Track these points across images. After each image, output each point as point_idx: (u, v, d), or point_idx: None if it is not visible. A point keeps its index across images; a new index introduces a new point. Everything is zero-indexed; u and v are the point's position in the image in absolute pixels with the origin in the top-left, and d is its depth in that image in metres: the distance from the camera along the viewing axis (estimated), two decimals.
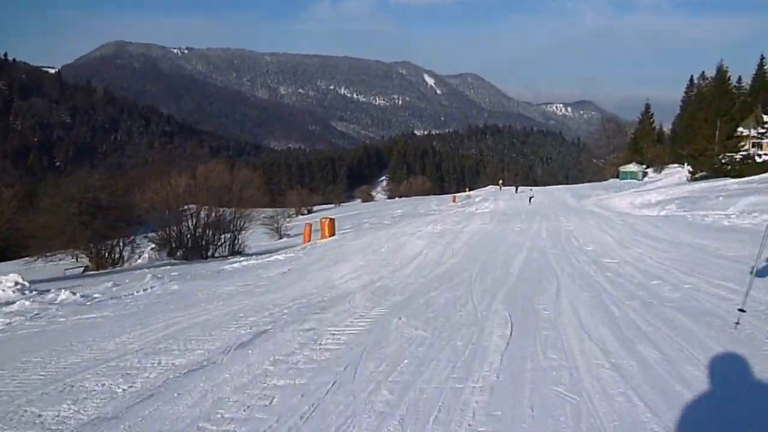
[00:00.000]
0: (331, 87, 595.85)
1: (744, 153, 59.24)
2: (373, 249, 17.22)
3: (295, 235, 49.41)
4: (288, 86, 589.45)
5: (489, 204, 60.06)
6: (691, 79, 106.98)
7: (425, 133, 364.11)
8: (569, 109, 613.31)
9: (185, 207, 28.81)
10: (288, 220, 61.62)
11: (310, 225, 27.40)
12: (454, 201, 70.72)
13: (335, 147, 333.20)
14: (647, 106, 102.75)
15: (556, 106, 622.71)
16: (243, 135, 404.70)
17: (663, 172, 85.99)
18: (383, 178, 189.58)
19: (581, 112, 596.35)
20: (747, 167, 53.82)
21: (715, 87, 71.89)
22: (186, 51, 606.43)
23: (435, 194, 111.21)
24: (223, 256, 27.19)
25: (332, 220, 25.81)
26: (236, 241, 29.53)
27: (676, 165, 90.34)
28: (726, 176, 55.72)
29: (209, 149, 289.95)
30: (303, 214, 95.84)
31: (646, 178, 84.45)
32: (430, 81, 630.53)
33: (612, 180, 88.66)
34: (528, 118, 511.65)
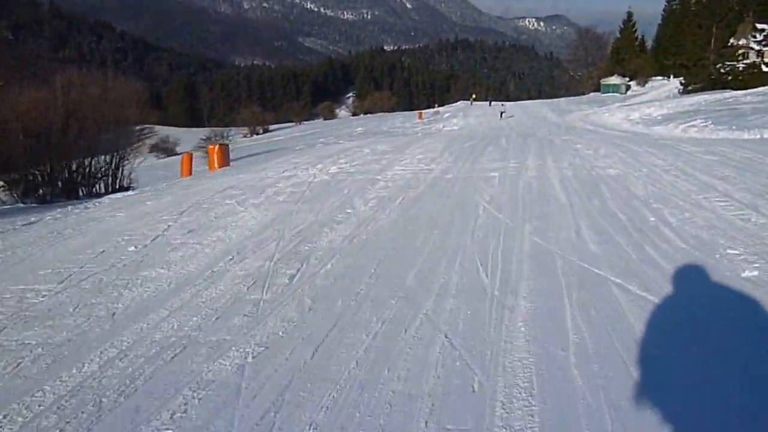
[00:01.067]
0: (297, 1, 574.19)
1: (747, 62, 52.18)
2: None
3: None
4: (252, 1, 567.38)
5: (458, 121, 53.42)
6: None
7: (394, 48, 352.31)
8: (542, 23, 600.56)
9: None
10: (230, 140, 53.84)
11: (190, 155, 20.05)
12: (419, 118, 63.98)
13: (302, 63, 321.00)
14: (629, 15, 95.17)
15: (529, 21, 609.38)
16: (206, 52, 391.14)
17: (647, 85, 79.22)
18: (350, 94, 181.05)
19: (554, 27, 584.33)
20: (751, 77, 47.04)
21: None
22: None
23: (403, 110, 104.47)
24: (98, 195, 19.92)
25: (224, 147, 18.56)
26: (120, 173, 22.04)
27: (661, 77, 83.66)
28: (725, 88, 49.13)
29: (168, 66, 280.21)
30: (257, 134, 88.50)
31: (629, 92, 77.58)
32: None
33: (592, 94, 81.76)
34: (500, 33, 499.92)
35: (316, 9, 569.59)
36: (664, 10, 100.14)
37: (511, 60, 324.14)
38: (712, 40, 57.72)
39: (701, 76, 55.26)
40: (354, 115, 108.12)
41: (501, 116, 51.56)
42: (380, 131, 47.93)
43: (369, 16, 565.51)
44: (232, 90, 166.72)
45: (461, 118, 56.01)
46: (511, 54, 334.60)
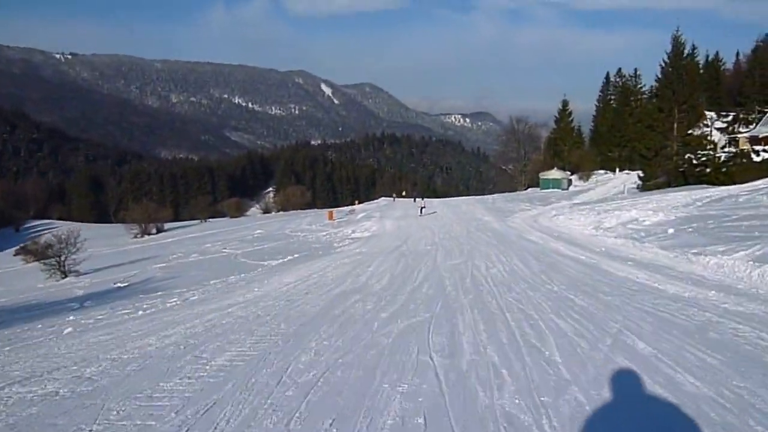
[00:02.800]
0: (225, 96, 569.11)
1: (730, 151, 42.63)
2: None
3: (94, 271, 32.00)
4: (179, 94, 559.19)
5: (371, 225, 42.52)
6: (607, 77, 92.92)
7: (319, 142, 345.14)
8: (467, 120, 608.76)
9: None
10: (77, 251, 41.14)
11: None
12: (330, 218, 53.54)
13: (227, 157, 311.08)
14: (564, 103, 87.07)
15: (455, 117, 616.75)
16: (130, 144, 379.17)
17: (591, 179, 69.99)
18: (270, 189, 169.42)
19: (479, 123, 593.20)
20: (740, 169, 37.10)
21: (672, 66, 55.37)
22: (69, 56, 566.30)
23: (330, 206, 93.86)
24: None
25: None
26: None
27: (603, 171, 74.96)
28: (700, 183, 39.29)
29: (85, 158, 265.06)
30: (150, 234, 75.67)
31: (571, 187, 68.04)
32: (327, 90, 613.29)
33: (530, 190, 72.31)
34: (427, 129, 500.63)
35: (243, 104, 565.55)
36: (598, 101, 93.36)
37: (438, 155, 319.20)
38: (675, 126, 48.41)
39: (663, 168, 45.78)
40: (265, 212, 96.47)
41: (421, 212, 47.74)
42: (278, 236, 41.12)
43: (297, 111, 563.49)
44: (142, 184, 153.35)
45: (377, 220, 45.34)
46: (438, 149, 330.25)
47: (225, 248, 36.94)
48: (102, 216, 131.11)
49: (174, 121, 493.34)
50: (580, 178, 71.50)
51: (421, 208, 49.44)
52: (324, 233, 40.75)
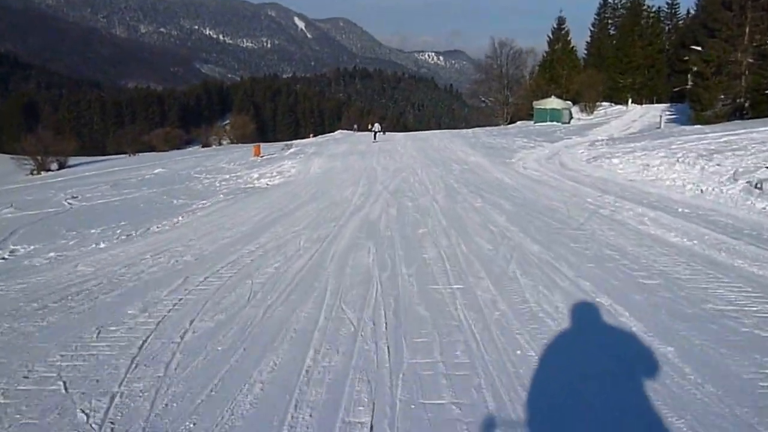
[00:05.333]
0: (196, 27, 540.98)
1: None
2: None
3: None
4: (149, 25, 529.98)
5: (297, 165, 27.34)
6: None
7: (287, 75, 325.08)
8: (441, 58, 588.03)
9: None
10: None
11: None
12: (256, 153, 38.03)
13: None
14: (560, 20, 70.60)
15: (428, 55, 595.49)
16: (96, 75, 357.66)
17: (597, 112, 54.37)
18: (226, 121, 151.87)
19: (453, 61, 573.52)
20: None
21: None
22: None
23: (290, 138, 78.17)
24: None
25: None
26: None
27: (609, 103, 59.39)
28: None
29: (36, 86, 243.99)
30: (49, 170, 59.54)
31: (572, 121, 52.28)
32: (301, 24, 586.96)
33: (520, 123, 56.59)
34: (400, 65, 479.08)
35: (215, 36, 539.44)
36: (593, 26, 77.49)
37: (411, 91, 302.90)
38: (747, 31, 32.37)
39: (731, 91, 30.36)
40: (204, 146, 79.88)
41: (375, 138, 43.08)
42: (171, 179, 29.23)
43: (269, 45, 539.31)
44: (82, 112, 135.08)
45: (305, 158, 29.84)
46: (410, 85, 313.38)
47: (72, 198, 22.39)
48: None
49: (142, 52, 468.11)
50: (582, 111, 55.90)
51: (375, 132, 43.17)
52: (228, 176, 26.69)
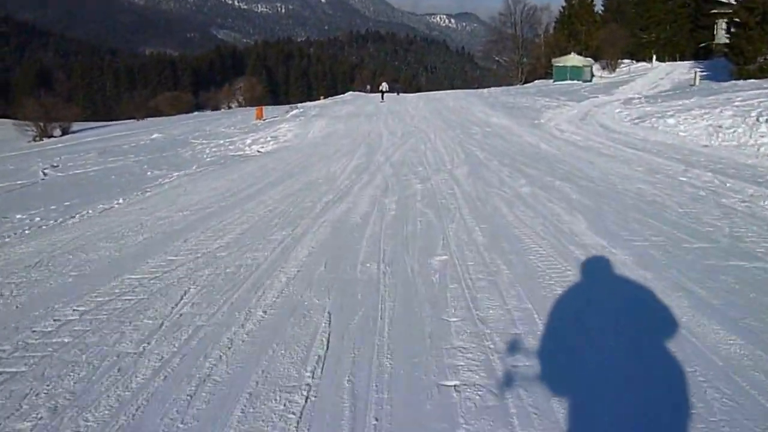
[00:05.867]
0: None
1: None
2: None
3: None
4: None
5: (297, 129, 24.29)
6: None
7: (301, 39, 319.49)
8: (453, 20, 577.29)
9: None
10: None
11: None
12: (258, 116, 34.40)
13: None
14: None
15: (440, 17, 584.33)
16: (114, 41, 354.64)
17: (619, 70, 50.59)
18: (240, 85, 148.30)
19: (464, 24, 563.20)
20: None
21: None
22: None
23: (301, 100, 74.83)
24: None
25: None
26: None
27: (630, 60, 55.49)
28: None
29: (55, 52, 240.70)
30: (51, 136, 56.90)
31: (594, 79, 48.52)
32: None
33: (538, 82, 52.95)
34: (412, 28, 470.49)
35: (230, 2, 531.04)
36: None
37: (423, 53, 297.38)
38: None
39: None
40: (214, 109, 76.72)
41: (382, 98, 40.17)
42: (163, 145, 26.47)
43: (283, 10, 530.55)
44: (95, 78, 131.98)
45: (305, 121, 26.82)
46: (422, 47, 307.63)
47: (52, 167, 20.47)
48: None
49: (159, 18, 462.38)
50: (604, 68, 52.04)
51: (383, 93, 40.20)
52: (222, 142, 24.63)
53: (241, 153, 18.93)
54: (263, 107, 39.61)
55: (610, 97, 29.78)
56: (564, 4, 64.79)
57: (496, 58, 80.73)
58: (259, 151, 18.85)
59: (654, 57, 51.14)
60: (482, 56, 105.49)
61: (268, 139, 21.37)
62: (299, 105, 44.66)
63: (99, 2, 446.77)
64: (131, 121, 75.56)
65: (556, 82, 47.69)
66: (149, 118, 76.32)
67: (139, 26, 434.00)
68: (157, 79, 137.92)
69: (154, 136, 34.51)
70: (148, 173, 16.08)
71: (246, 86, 76.19)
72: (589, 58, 51.52)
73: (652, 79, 41.29)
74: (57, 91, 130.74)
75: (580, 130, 16.41)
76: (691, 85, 31.00)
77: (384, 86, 43.82)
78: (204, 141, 26.05)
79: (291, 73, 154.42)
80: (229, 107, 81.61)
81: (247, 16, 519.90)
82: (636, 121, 16.28)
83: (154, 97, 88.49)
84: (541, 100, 30.93)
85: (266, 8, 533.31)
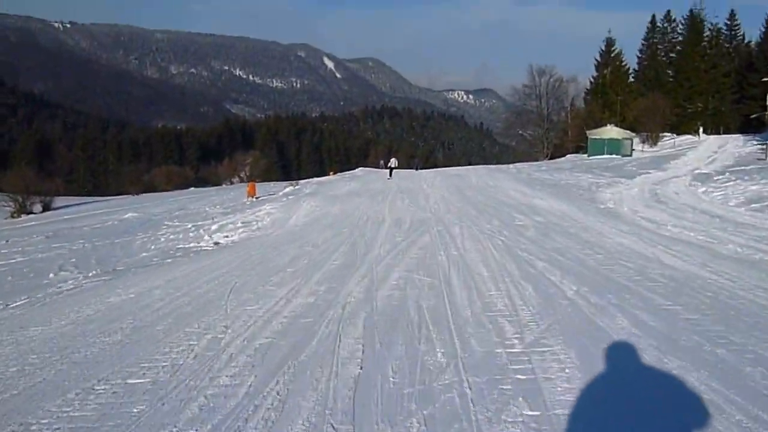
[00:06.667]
0: (226, 68, 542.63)
1: None
2: None
3: None
4: (180, 65, 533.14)
5: (267, 213, 19.38)
6: (653, 21, 69.73)
7: (316, 114, 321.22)
8: (471, 96, 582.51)
9: None
10: None
11: None
12: (250, 193, 30.04)
13: None
14: (609, 41, 63.16)
15: (458, 93, 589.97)
16: (128, 115, 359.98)
17: (662, 143, 46.55)
18: (248, 160, 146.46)
19: (482, 100, 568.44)
20: None
21: None
22: (68, 25, 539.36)
23: (310, 176, 71.17)
24: None
25: None
26: None
27: (670, 134, 51.58)
28: None
29: (63, 125, 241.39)
30: (31, 213, 53.55)
31: (635, 153, 44.43)
32: (330, 64, 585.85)
33: (570, 156, 48.92)
34: (429, 104, 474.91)
35: (244, 76, 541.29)
36: (641, 51, 70.23)
37: (440, 129, 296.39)
38: None
39: None
40: (216, 184, 73.20)
41: (390, 174, 37.22)
42: (128, 227, 23.72)
43: (298, 85, 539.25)
44: (97, 151, 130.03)
45: (298, 201, 22.26)
46: (440, 123, 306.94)
47: None
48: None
49: (173, 92, 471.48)
50: (643, 141, 48.00)
51: (391, 169, 37.73)
52: (191, 226, 20.65)
53: (195, 245, 14.60)
54: (256, 184, 35.60)
55: (664, 173, 25.47)
56: (595, 73, 61.43)
57: (520, 132, 77.07)
58: (217, 243, 14.49)
59: (701, 129, 47.21)
60: (503, 131, 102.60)
61: (239, 225, 16.99)
62: (301, 181, 40.76)
63: (112, 76, 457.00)
64: (125, 196, 72.24)
65: (591, 157, 43.48)
66: (145, 194, 72.99)
67: (153, 100, 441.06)
68: (162, 153, 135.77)
69: (128, 215, 30.86)
70: (51, 275, 11.80)
71: (245, 160, 72.70)
72: (629, 131, 47.52)
73: (705, 152, 37.10)
74: (57, 164, 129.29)
75: (678, 219, 11.86)
76: (761, 159, 26.66)
77: (393, 162, 40.22)
78: (177, 223, 22.02)
79: (303, 147, 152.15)
80: (231, 182, 78.37)
81: (261, 91, 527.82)
82: (754, 205, 11.80)
83: (152, 170, 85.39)
84: (583, 176, 26.57)
85: (281, 83, 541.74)
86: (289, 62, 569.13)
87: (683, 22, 66.93)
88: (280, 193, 28.87)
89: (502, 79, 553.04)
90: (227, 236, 15.43)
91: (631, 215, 12.75)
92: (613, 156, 41.78)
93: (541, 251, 10.26)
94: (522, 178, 27.74)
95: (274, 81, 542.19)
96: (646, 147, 47.19)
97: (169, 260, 12.86)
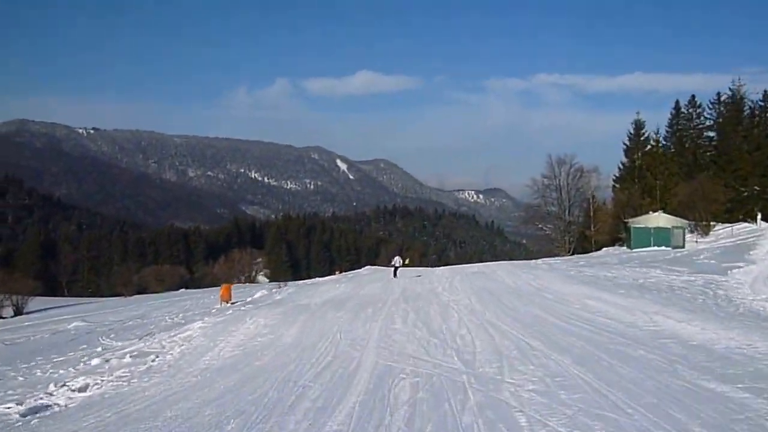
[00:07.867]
0: (242, 170, 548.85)
1: None
2: None
3: None
4: (197, 169, 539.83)
5: (239, 330, 12.29)
6: (677, 107, 64.76)
7: (328, 215, 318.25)
8: (481, 196, 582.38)
9: None
10: None
11: None
12: (224, 297, 21.60)
13: None
14: (638, 124, 58.26)
15: (468, 193, 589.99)
16: (146, 218, 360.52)
17: (713, 232, 39.75)
18: (260, 259, 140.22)
19: (492, 199, 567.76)
20: None
21: None
22: (92, 131, 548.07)
23: (321, 275, 64.76)
24: None
25: None
26: None
27: (723, 225, 44.78)
28: None
29: (77, 226, 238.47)
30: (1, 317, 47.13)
31: (687, 245, 37.47)
32: (343, 166, 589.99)
33: (607, 250, 42.11)
34: (440, 204, 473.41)
35: (260, 179, 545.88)
36: (666, 138, 64.80)
37: (452, 228, 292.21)
38: None
39: None
40: (213, 285, 66.71)
41: (395, 274, 33.46)
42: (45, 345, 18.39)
43: (312, 186, 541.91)
44: (102, 251, 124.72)
45: (245, 316, 14.68)
46: (451, 222, 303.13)
47: None
48: (52, 288, 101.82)
49: (190, 195, 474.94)
50: (693, 230, 41.27)
51: (396, 268, 33.66)
52: (121, 344, 16.12)
53: (47, 394, 7.98)
54: (230, 286, 28.56)
55: (757, 266, 18.43)
56: (624, 159, 55.29)
57: (540, 226, 70.25)
58: (70, 398, 7.81)
59: (758, 216, 40.59)
60: (517, 227, 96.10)
61: (150, 352, 10.57)
62: (289, 283, 34.19)
63: (132, 179, 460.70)
64: (118, 297, 65.60)
65: (635, 249, 36.68)
66: (137, 295, 66.36)
67: (170, 202, 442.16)
68: (168, 252, 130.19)
69: (72, 325, 24.34)
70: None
71: (243, 259, 66.33)
72: (679, 219, 40.72)
73: None
74: (62, 264, 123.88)
75: None
76: None
77: (397, 261, 35.92)
78: (107, 341, 15.64)
79: (312, 247, 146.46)
80: (240, 280, 71.83)
81: (275, 192, 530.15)
82: None
83: (142, 270, 79.01)
84: (644, 271, 19.65)
85: (295, 185, 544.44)
86: (303, 164, 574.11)
87: (710, 105, 62.13)
88: (248, 299, 22.07)
89: (511, 179, 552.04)
90: (103, 378, 8.92)
91: None
92: (664, 248, 35.03)
93: None
94: (573, 275, 20.93)
95: (289, 183, 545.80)
96: (698, 237, 40.53)
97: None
